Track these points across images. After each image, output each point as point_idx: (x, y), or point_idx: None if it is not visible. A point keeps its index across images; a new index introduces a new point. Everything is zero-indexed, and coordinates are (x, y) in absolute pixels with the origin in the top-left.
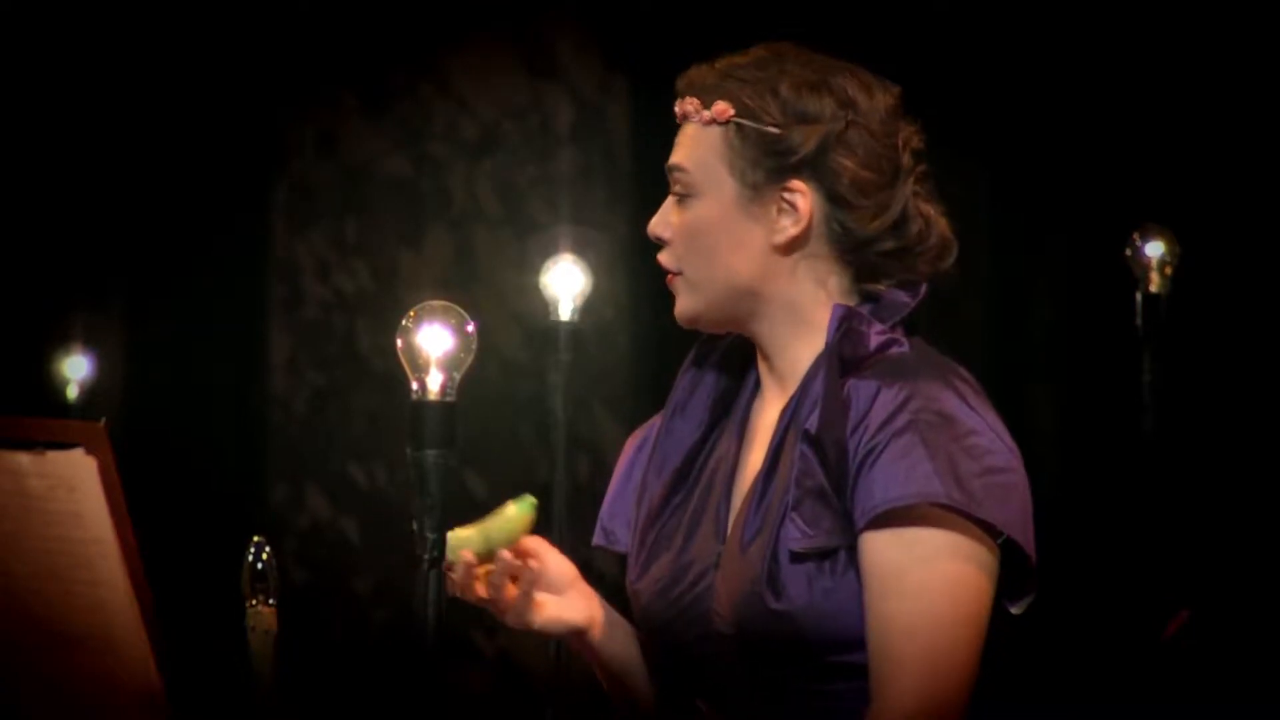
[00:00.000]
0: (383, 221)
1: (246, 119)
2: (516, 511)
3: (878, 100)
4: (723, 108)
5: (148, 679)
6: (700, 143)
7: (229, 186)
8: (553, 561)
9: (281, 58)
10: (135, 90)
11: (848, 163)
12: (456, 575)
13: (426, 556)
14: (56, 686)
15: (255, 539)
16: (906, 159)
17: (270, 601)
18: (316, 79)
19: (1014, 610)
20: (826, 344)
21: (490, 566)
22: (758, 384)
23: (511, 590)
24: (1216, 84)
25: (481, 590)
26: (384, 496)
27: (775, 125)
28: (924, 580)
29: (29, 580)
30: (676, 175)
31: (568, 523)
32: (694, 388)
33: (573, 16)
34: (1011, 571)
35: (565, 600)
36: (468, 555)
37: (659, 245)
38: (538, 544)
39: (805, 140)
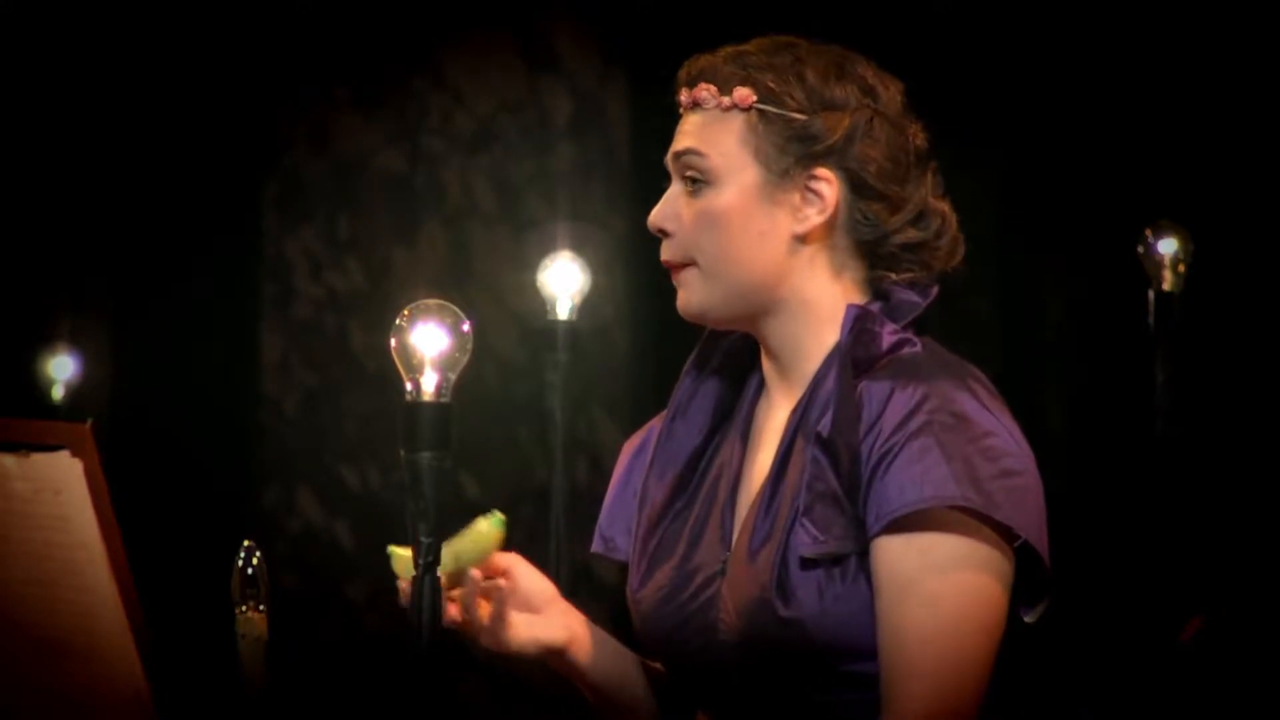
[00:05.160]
0: (376, 218)
1: (237, 113)
2: (486, 528)
3: (892, 91)
4: (745, 93)
5: (135, 686)
6: (719, 129)
7: (219, 182)
8: (528, 579)
9: (273, 50)
10: (124, 84)
11: (873, 152)
12: None
13: (421, 561)
14: (42, 693)
15: (245, 543)
16: (919, 153)
17: (261, 607)
18: (308, 72)
19: (1028, 619)
20: (840, 344)
21: (460, 589)
22: (761, 385)
23: (484, 609)
24: (1230, 80)
25: (454, 612)
26: (377, 500)
27: (800, 111)
28: (939, 589)
29: (14, 586)
30: (691, 161)
31: (566, 526)
32: (695, 390)
33: (571, 8)
34: (1026, 578)
35: (542, 619)
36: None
37: (658, 241)
38: (511, 560)
39: (834, 127)
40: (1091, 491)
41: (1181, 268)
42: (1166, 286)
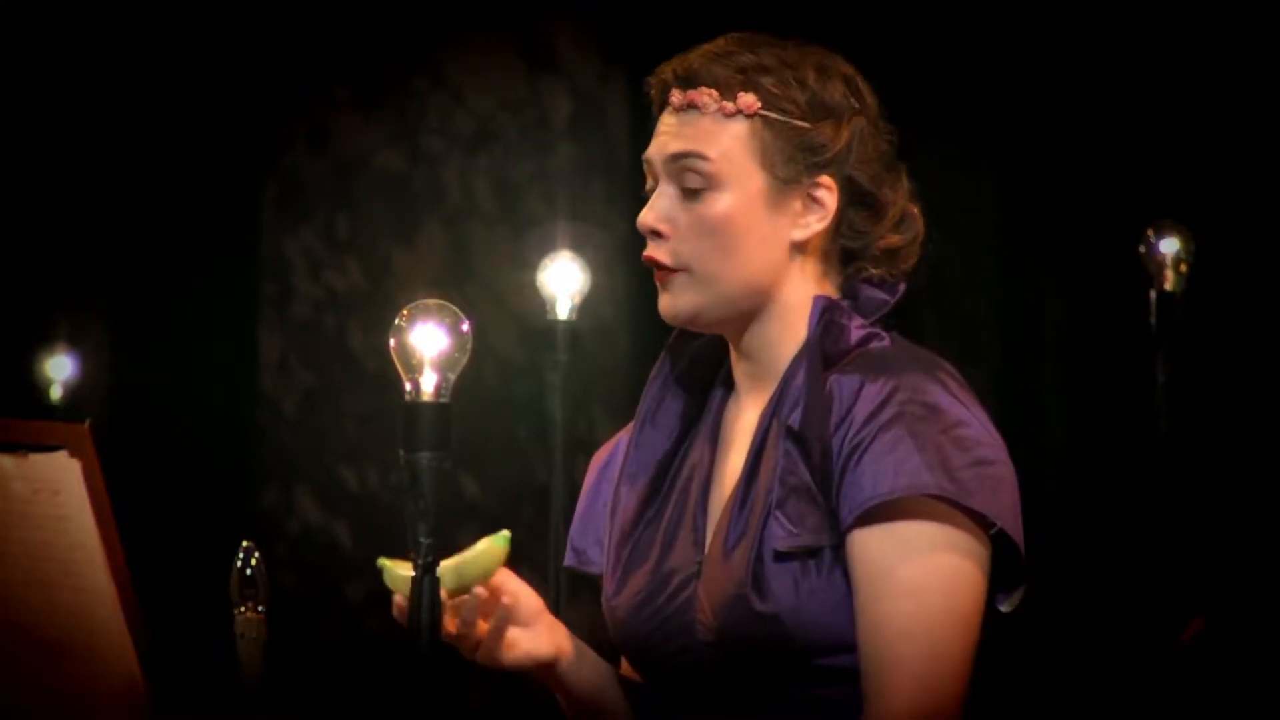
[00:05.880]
0: (375, 217)
1: (236, 113)
2: (492, 547)
3: (871, 93)
4: (750, 100)
5: (133, 687)
6: (719, 133)
7: (218, 182)
8: (519, 594)
9: (273, 50)
10: (123, 84)
11: (866, 159)
12: None
13: (420, 562)
14: (40, 694)
15: (244, 544)
16: (894, 157)
17: (259, 608)
18: (308, 72)
19: (1004, 608)
20: (808, 337)
21: (461, 603)
22: (730, 387)
23: (482, 627)
24: (1232, 79)
25: (450, 625)
26: (376, 500)
27: (802, 119)
28: (917, 578)
29: (12, 586)
30: (693, 164)
31: (566, 526)
32: (663, 396)
33: (571, 8)
34: (1001, 567)
35: (533, 634)
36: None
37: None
38: (503, 576)
39: (836, 137)
40: (1091, 491)
41: (1183, 267)
42: (1168, 286)
